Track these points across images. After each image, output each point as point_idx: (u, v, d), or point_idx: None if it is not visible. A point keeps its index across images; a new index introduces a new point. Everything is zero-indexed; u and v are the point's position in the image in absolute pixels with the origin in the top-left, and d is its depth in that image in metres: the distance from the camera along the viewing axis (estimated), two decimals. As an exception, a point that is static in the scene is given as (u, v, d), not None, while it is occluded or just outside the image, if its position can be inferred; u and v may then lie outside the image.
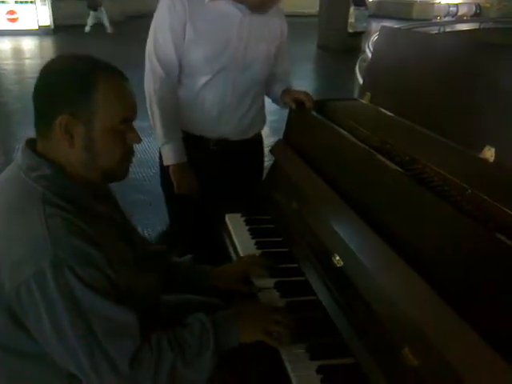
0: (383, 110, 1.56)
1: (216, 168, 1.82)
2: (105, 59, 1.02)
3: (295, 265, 1.38)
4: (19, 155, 1.01)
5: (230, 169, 1.83)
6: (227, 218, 1.69)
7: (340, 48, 11.01)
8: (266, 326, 1.06)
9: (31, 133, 1.04)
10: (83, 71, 0.96)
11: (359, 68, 6.05)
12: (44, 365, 0.96)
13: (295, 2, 18.32)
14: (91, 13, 13.66)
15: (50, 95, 0.96)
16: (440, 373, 0.82)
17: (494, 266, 0.83)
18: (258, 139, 1.98)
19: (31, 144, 1.02)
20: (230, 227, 1.64)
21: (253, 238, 1.55)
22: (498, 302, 0.80)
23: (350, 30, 11.41)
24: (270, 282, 1.32)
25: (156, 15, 1.71)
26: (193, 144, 1.80)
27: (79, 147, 0.97)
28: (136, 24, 16.14)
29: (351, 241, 1.16)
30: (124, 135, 1.01)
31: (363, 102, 1.68)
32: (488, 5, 20.08)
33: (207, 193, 1.83)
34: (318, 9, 12.59)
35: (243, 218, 1.67)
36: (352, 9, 11.38)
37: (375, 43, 1.68)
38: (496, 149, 1.12)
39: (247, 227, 1.62)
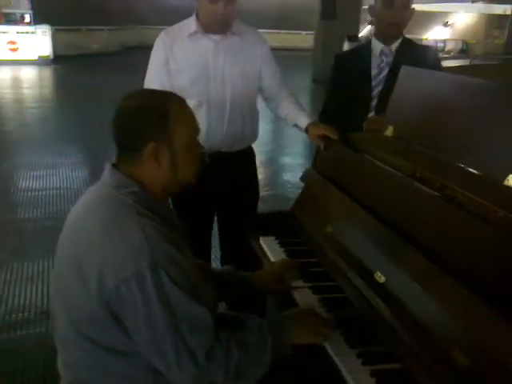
0: (407, 142, 1.71)
1: (213, 179, 2.02)
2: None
3: (333, 283, 1.50)
4: (107, 176, 1.16)
5: (226, 178, 2.11)
6: (262, 240, 1.81)
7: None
8: (316, 328, 1.20)
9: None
10: (156, 103, 1.15)
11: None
12: (129, 361, 1.10)
13: (292, 38, 19.10)
14: None
15: (134, 130, 1.14)
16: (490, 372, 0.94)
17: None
18: (248, 152, 2.23)
19: (115, 167, 1.17)
20: (266, 249, 1.76)
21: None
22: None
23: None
24: (313, 300, 1.43)
25: (151, 54, 2.08)
26: None
27: (166, 166, 1.15)
28: (133, 54, 16.57)
29: (392, 258, 1.28)
30: (198, 147, 1.20)
31: (385, 134, 1.84)
32: (474, 41, 20.84)
33: (213, 203, 2.18)
34: (312, 44, 13.02)
35: (277, 241, 1.80)
36: (346, 44, 11.79)
37: (397, 82, 1.83)
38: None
39: (282, 249, 1.74)
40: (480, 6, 21.42)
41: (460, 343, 1.01)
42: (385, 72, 2.14)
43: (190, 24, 2.02)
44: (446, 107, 1.60)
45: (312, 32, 13.47)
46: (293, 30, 19.62)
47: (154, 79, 2.05)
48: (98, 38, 16.32)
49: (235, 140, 2.11)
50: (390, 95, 1.83)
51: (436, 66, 2.15)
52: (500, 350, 0.92)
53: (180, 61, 2.01)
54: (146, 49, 2.09)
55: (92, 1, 15.95)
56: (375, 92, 2.16)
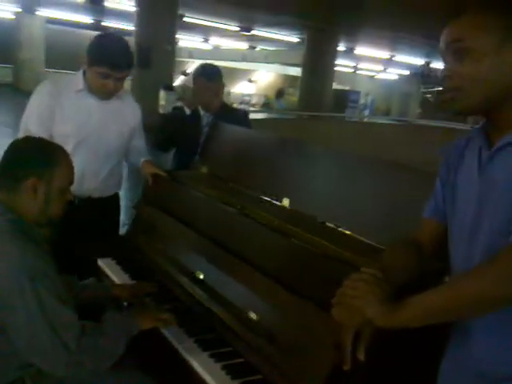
0: (216, 177, 2.25)
1: (81, 220, 2.24)
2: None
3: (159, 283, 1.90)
4: None
5: (93, 220, 2.30)
6: (100, 261, 2.12)
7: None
8: (156, 316, 1.57)
9: None
10: (49, 150, 1.47)
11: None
12: (4, 361, 1.34)
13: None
14: None
15: (22, 163, 1.42)
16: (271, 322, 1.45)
17: (292, 260, 1.52)
18: (115, 197, 2.53)
19: None
20: (105, 268, 2.07)
21: (126, 273, 2.02)
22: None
23: (161, 111, 12.42)
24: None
25: (32, 98, 2.26)
26: None
27: (40, 200, 1.42)
28: None
29: (207, 258, 1.75)
30: (68, 194, 1.51)
31: (202, 172, 2.36)
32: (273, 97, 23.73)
33: (75, 241, 2.25)
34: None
35: (114, 261, 2.12)
36: (162, 92, 12.49)
37: (208, 134, 2.40)
38: (290, 199, 1.88)
39: (119, 266, 2.08)
40: (277, 67, 24.66)
41: (252, 307, 1.51)
42: (206, 128, 2.83)
43: (78, 81, 2.25)
44: (243, 152, 2.20)
45: (130, 78, 13.92)
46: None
47: (36, 122, 2.20)
48: None
49: (105, 187, 2.37)
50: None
51: (244, 123, 2.84)
52: (278, 305, 1.45)
53: (66, 112, 2.22)
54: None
55: None
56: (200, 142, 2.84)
